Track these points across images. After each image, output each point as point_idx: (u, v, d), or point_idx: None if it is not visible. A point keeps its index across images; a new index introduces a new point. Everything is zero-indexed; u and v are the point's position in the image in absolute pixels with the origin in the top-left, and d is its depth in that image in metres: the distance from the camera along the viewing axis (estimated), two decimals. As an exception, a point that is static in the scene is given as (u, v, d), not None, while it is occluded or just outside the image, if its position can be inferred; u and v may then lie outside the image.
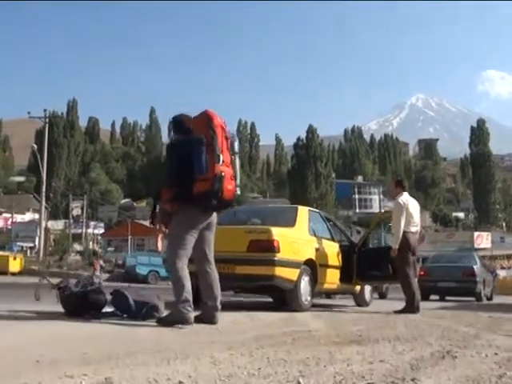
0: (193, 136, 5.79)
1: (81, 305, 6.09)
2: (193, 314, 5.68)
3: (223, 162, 5.70)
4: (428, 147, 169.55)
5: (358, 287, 10.96)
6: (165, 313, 6.16)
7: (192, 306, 5.69)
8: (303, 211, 9.60)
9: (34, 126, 73.33)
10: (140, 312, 6.09)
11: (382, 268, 10.14)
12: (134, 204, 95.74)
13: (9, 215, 67.51)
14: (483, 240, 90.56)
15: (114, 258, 52.31)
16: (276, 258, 8.14)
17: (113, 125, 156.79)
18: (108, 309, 6.31)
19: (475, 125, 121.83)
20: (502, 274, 64.82)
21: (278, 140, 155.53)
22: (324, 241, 9.63)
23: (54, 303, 6.40)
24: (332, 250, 9.84)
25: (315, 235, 9.45)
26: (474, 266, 18.73)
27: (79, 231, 71.43)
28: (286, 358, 3.71)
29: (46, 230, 50.07)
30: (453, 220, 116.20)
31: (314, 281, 9.02)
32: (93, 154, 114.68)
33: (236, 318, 6.70)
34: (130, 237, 61.60)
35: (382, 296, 17.49)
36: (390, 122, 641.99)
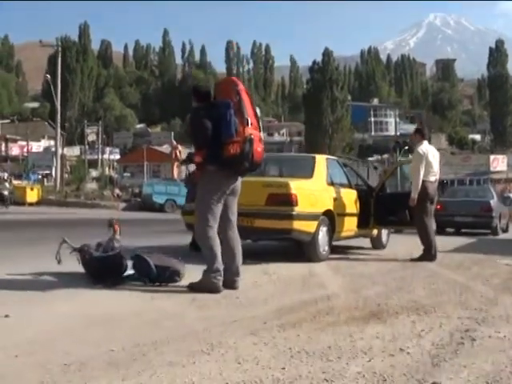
0: (218, 100, 5.88)
1: (102, 269, 6.17)
2: (221, 283, 5.88)
3: (251, 124, 5.80)
4: (445, 68, 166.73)
5: (375, 231, 11.02)
6: (185, 276, 6.27)
7: (222, 276, 5.89)
8: (321, 160, 9.53)
9: (46, 50, 72.51)
10: (161, 276, 6.17)
11: (399, 213, 10.17)
12: (149, 130, 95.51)
13: (24, 143, 67.67)
14: (499, 163, 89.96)
15: (129, 184, 52.69)
16: (294, 212, 8.16)
17: (125, 48, 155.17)
18: (130, 271, 6.39)
19: (493, 44, 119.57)
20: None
21: (293, 61, 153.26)
22: (342, 189, 9.62)
23: (75, 266, 6.48)
24: (350, 197, 9.83)
25: (333, 184, 9.44)
26: (491, 201, 18.69)
27: (95, 157, 71.70)
28: (307, 348, 3.76)
29: (62, 157, 50.22)
30: (469, 142, 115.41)
31: (331, 230, 9.07)
32: (106, 78, 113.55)
33: (255, 278, 6.75)
34: (145, 163, 61.54)
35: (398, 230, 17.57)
36: (406, 41, 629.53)
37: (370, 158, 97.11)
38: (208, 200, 5.89)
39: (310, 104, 76.16)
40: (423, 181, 9.37)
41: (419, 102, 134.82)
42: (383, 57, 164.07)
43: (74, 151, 76.09)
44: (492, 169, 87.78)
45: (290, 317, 4.74)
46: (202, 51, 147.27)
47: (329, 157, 10.27)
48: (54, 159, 47.68)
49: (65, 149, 61.63)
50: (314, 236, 8.53)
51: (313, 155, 9.90)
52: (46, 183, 50.07)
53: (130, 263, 6.39)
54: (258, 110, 6.32)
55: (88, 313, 4.76)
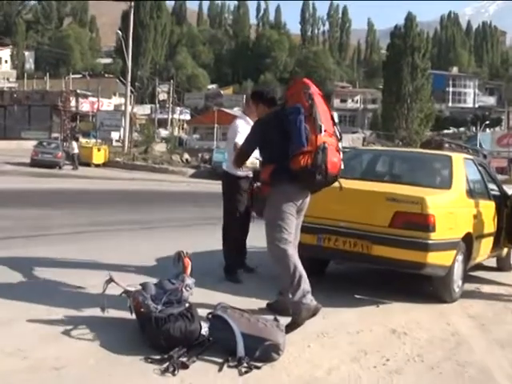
0: (288, 107, 5.08)
1: (165, 336, 4.12)
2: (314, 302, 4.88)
3: (325, 131, 4.93)
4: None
5: (505, 250, 8.65)
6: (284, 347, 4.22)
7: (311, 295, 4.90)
8: (459, 163, 7.09)
9: (121, 5, 70.41)
10: (251, 351, 4.09)
11: None
12: (221, 92, 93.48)
13: (95, 99, 66.38)
14: None
15: (198, 146, 51.02)
16: (431, 241, 5.90)
17: (200, 6, 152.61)
18: (203, 331, 4.33)
19: None
20: None
21: (371, 25, 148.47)
22: (481, 202, 7.24)
23: (125, 315, 4.50)
24: (489, 212, 7.44)
25: (472, 196, 7.07)
26: None
27: (165, 117, 70.28)
28: None
29: (132, 116, 48.62)
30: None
31: (467, 258, 6.81)
32: (179, 36, 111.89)
33: (380, 345, 4.62)
34: (216, 126, 59.82)
35: None
36: (486, 8, 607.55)
37: (446, 131, 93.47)
38: (279, 215, 5.04)
39: (389, 71, 72.77)
40: None
41: (499, 72, 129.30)
42: (462, 22, 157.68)
43: (144, 110, 74.79)
44: None
45: None
46: (277, 11, 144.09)
47: (466, 156, 7.78)
48: (123, 119, 46.03)
49: (135, 107, 60.24)
50: (450, 270, 6.31)
51: (448, 154, 7.44)
52: (114, 143, 48.50)
53: (204, 324, 4.35)
54: (335, 116, 4.70)
55: None
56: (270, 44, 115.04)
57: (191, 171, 38.20)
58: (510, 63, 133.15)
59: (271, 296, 5.49)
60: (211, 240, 8.55)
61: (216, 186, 27.14)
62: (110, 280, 4.56)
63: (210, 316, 4.31)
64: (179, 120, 73.45)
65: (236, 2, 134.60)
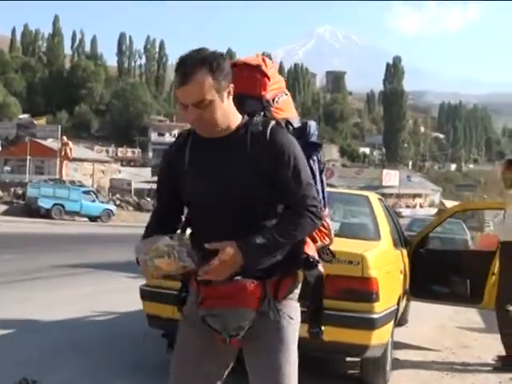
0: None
1: None
2: None
3: None
4: (336, 80, 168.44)
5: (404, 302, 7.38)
6: None
7: None
8: (378, 205, 5.64)
9: None
10: None
11: (453, 282, 6.63)
12: (35, 122, 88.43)
13: None
14: (391, 178, 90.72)
15: (9, 180, 47.29)
16: (376, 315, 4.36)
17: (13, 32, 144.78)
18: None
19: (380, 60, 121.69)
20: (406, 212, 64.18)
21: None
22: (402, 252, 5.86)
23: None
24: (406, 262, 6.09)
25: (395, 246, 5.61)
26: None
27: (-28, 148, 65.12)
28: None
29: None
30: (360, 155, 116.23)
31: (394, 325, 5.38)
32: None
33: None
34: (28, 157, 55.99)
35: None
36: (295, 51, 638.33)
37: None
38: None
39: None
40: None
41: (310, 112, 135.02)
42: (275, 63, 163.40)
43: None
44: (384, 183, 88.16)
45: None
46: (93, 41, 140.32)
47: (379, 196, 6.32)
48: None
49: None
50: (386, 347, 4.80)
51: (363, 194, 6.00)
52: None
53: None
54: None
55: None
56: (85, 75, 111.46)
57: (3, 208, 34.66)
58: (320, 103, 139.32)
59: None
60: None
61: (31, 225, 24.11)
62: None
63: None
64: (-12, 152, 68.38)
65: (50, 30, 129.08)
